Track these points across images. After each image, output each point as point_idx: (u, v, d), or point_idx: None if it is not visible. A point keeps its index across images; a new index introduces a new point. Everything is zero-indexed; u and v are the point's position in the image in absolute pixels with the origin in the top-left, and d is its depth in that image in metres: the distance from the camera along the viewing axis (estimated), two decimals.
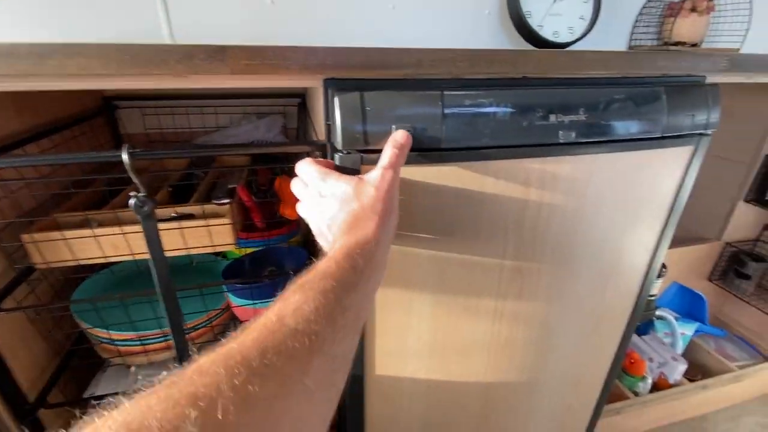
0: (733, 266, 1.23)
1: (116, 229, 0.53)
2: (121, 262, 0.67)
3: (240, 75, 0.40)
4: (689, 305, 1.27)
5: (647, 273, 0.70)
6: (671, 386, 1.11)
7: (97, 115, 0.84)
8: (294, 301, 0.25)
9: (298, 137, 0.96)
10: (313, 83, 0.45)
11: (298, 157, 0.45)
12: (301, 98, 1.00)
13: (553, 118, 0.49)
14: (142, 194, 0.45)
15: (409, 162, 0.47)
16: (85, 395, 0.62)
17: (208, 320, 0.64)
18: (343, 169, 0.43)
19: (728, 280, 1.24)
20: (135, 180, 0.45)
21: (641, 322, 1.17)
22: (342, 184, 0.38)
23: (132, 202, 0.45)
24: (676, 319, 1.20)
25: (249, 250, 0.70)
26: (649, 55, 0.52)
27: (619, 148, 0.55)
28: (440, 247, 0.53)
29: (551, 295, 0.64)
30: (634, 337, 1.21)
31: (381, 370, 0.62)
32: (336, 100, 0.43)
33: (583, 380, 0.80)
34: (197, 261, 0.76)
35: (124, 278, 0.72)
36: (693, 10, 1.13)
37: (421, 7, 0.95)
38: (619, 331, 0.76)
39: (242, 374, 0.19)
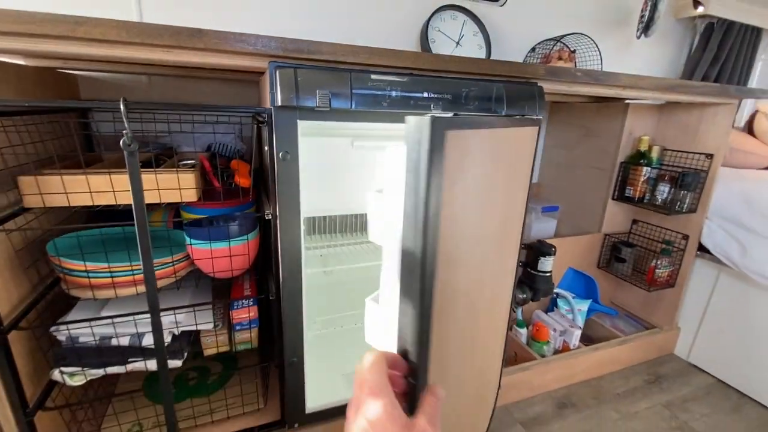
0: (613, 253, 1.52)
1: (105, 176, 0.68)
2: (109, 227, 0.81)
3: (210, 52, 0.60)
4: (584, 287, 1.53)
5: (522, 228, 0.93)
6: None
7: (71, 111, 0.99)
8: None
9: (252, 140, 1.15)
10: (262, 64, 0.65)
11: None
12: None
13: (426, 94, 0.73)
14: (131, 134, 0.62)
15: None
16: (58, 321, 0.71)
17: (172, 262, 0.77)
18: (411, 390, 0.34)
19: (611, 266, 1.52)
20: (126, 123, 0.61)
21: (546, 297, 1.38)
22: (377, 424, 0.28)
23: (122, 140, 0.61)
24: (573, 297, 1.44)
25: None
26: (490, 61, 0.79)
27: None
28: None
29: None
30: (541, 314, 1.43)
31: None
32: (277, 74, 0.64)
33: (497, 337, 0.98)
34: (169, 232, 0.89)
35: (108, 239, 0.83)
36: (560, 59, 1.52)
37: None
38: (509, 287, 0.97)
39: None
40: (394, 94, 0.71)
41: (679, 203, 1.32)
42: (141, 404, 0.93)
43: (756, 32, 1.88)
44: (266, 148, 0.71)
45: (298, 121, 0.67)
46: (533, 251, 1.32)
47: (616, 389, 1.30)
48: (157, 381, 0.77)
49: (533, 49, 1.57)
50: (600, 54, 1.56)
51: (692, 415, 1.20)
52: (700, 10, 1.64)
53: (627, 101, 1.38)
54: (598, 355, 1.32)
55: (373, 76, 0.69)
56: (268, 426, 0.92)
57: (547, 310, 1.48)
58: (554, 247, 1.30)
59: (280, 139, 0.68)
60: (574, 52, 1.57)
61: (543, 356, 1.28)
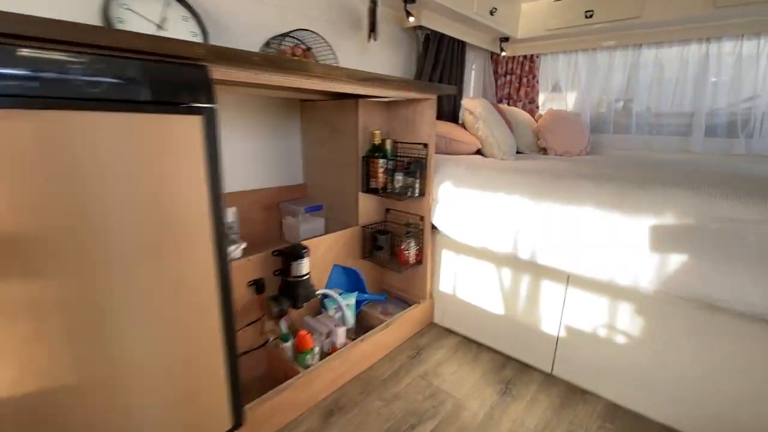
0: (373, 243, 1.59)
1: None
2: None
3: None
4: (351, 280, 1.55)
5: (217, 236, 0.78)
6: None
7: None
8: None
9: None
10: None
11: None
12: None
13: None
14: None
15: None
16: None
17: None
18: None
19: (373, 254, 1.59)
20: None
21: (308, 301, 1.31)
22: None
23: None
24: (341, 293, 1.43)
25: None
26: (129, 34, 0.60)
27: (103, 107, 0.59)
28: None
29: (98, 275, 0.62)
30: (309, 320, 1.37)
31: None
32: None
33: (196, 361, 0.80)
34: None
35: None
36: (294, 55, 1.47)
37: None
38: (212, 298, 0.81)
39: None
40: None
41: (410, 189, 1.45)
42: None
43: (462, 45, 2.32)
44: None
45: None
46: (284, 257, 1.23)
47: (383, 375, 1.33)
48: None
49: (267, 44, 1.49)
50: (333, 51, 1.59)
51: (442, 378, 1.33)
52: (411, 20, 1.89)
53: (357, 98, 1.44)
54: (365, 346, 1.33)
55: None
56: None
57: (317, 314, 1.43)
58: (306, 248, 1.23)
59: None
60: (309, 50, 1.56)
61: (308, 367, 1.19)
